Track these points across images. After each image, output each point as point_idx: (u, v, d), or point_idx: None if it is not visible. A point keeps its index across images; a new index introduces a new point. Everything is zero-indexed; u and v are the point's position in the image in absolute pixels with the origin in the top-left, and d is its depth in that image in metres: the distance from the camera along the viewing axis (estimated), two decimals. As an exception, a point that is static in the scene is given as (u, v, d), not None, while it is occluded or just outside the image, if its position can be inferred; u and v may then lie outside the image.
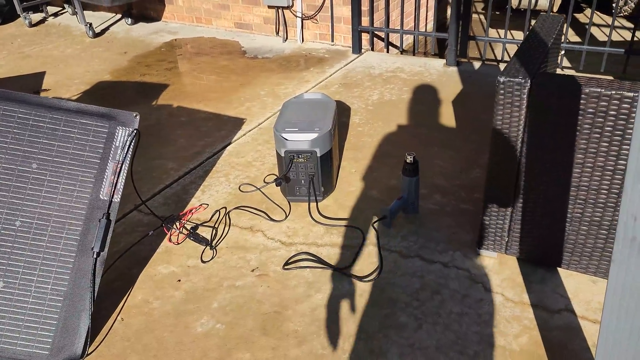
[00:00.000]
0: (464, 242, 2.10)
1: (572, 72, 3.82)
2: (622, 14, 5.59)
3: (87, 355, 1.71)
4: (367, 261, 2.03)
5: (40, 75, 4.10)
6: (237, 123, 3.20)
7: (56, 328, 1.68)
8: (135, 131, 1.86)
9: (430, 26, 5.36)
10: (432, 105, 3.27)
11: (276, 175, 2.58)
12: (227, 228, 2.26)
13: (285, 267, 2.02)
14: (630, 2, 5.47)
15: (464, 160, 2.66)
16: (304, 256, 2.07)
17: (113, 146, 1.83)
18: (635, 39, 4.70)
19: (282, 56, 4.30)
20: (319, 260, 2.05)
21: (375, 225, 2.22)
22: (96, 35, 5.02)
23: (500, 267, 1.96)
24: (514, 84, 1.65)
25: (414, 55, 4.44)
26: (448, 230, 2.17)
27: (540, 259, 1.93)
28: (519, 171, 1.78)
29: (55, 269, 1.71)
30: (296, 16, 4.52)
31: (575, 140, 1.65)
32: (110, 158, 1.82)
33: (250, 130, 3.10)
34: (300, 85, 3.69)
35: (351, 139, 2.93)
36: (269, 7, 4.65)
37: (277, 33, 4.74)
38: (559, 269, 1.93)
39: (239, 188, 2.54)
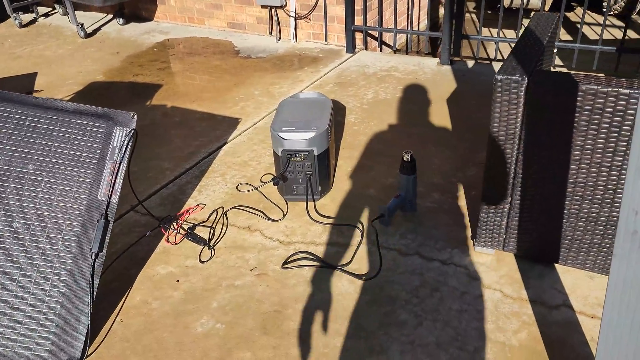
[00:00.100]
0: (462, 239, 2.11)
1: (564, 70, 3.85)
2: (611, 13, 5.65)
3: (87, 356, 1.70)
4: (366, 259, 2.04)
5: (32, 76, 4.07)
6: (232, 123, 3.19)
7: (55, 329, 1.67)
8: (132, 131, 1.85)
9: (423, 25, 5.38)
10: (426, 104, 3.28)
11: (273, 175, 2.58)
12: (224, 228, 2.26)
13: (284, 266, 2.02)
14: (620, 0, 5.52)
15: (460, 159, 2.67)
16: (302, 255, 2.08)
17: (110, 146, 1.82)
18: (626, 37, 4.75)
19: (275, 56, 4.29)
20: (318, 259, 2.05)
21: (374, 223, 2.22)
22: (88, 35, 4.99)
23: (498, 264, 1.97)
24: (511, 81, 1.66)
25: (407, 54, 4.45)
26: (446, 228, 2.18)
27: (538, 255, 1.94)
28: (516, 168, 1.80)
29: (53, 270, 1.70)
30: (289, 16, 4.52)
31: (572, 137, 1.66)
32: (107, 158, 1.81)
33: (245, 130, 3.09)
34: (295, 84, 3.69)
35: (347, 138, 2.93)
36: (262, 6, 4.64)
37: (271, 33, 4.74)
38: (556, 265, 1.94)
39: (237, 187, 2.53)
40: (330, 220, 2.27)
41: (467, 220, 2.21)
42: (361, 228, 2.20)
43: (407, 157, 2.17)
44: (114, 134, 1.83)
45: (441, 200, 2.35)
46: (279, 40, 4.65)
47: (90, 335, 1.71)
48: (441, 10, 5.79)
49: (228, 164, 2.74)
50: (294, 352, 1.67)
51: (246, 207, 2.39)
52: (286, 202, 2.40)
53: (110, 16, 5.57)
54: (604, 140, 1.62)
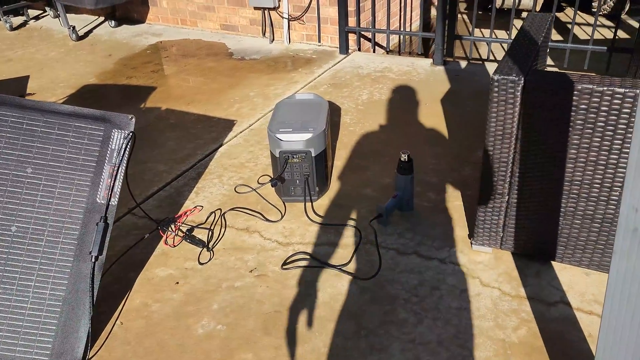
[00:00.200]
0: (460, 238, 2.12)
1: (557, 70, 3.88)
2: (601, 13, 5.71)
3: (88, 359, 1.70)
4: (365, 259, 2.05)
5: (24, 80, 4.04)
6: (228, 124, 3.19)
7: (55, 333, 1.66)
8: (131, 134, 1.85)
9: (415, 26, 5.41)
10: (421, 104, 3.30)
11: (270, 176, 2.58)
12: (223, 229, 2.26)
13: (284, 267, 2.03)
14: (609, 0, 5.58)
15: (455, 158, 2.69)
16: (301, 256, 2.08)
17: (109, 149, 1.82)
18: (616, 37, 4.80)
19: (269, 57, 4.30)
20: (317, 259, 2.06)
21: (372, 223, 2.23)
22: (79, 38, 4.96)
23: (496, 262, 1.99)
24: (507, 81, 1.68)
25: (399, 54, 4.47)
26: (443, 227, 2.20)
27: (535, 253, 1.97)
28: (513, 167, 1.82)
29: (53, 273, 1.70)
30: (282, 17, 4.52)
31: (568, 136, 1.68)
32: (106, 161, 1.81)
33: (241, 132, 3.09)
34: (290, 86, 3.70)
35: (343, 139, 2.95)
36: (255, 8, 4.64)
37: (264, 34, 4.74)
38: (553, 262, 1.96)
39: (235, 189, 2.53)
40: (328, 221, 2.28)
41: (463, 219, 2.23)
42: (359, 228, 2.21)
43: (404, 157, 2.18)
44: (112, 136, 1.83)
45: (438, 200, 2.37)
46: (272, 41, 4.66)
47: (91, 338, 1.71)
48: (433, 11, 5.82)
49: (225, 166, 2.74)
50: (296, 352, 1.68)
51: (244, 208, 2.39)
52: (284, 203, 2.41)
53: (102, 19, 5.54)
54: (599, 139, 1.64)
